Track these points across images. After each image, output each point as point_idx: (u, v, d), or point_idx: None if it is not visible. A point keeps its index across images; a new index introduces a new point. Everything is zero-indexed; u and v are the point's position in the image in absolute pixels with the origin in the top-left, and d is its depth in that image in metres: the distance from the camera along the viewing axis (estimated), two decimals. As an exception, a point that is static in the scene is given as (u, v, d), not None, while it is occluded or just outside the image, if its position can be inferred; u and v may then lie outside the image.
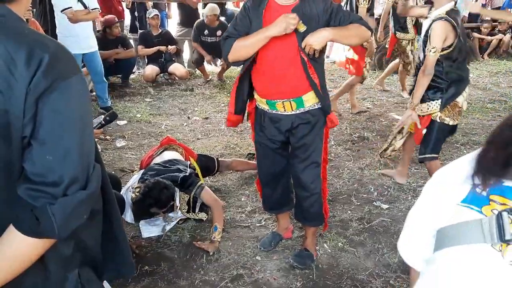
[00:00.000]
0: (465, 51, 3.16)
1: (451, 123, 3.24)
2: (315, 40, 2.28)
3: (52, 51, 0.92)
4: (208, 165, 3.79)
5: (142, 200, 3.07)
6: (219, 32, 6.60)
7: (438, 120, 3.23)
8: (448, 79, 3.12)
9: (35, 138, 0.90)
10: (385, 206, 3.51)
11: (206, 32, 6.63)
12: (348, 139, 4.80)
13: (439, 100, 3.17)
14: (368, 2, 5.24)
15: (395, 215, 3.38)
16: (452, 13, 3.02)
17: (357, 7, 5.34)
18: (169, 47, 6.69)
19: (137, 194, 3.11)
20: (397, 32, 5.64)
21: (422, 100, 3.23)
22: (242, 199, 3.65)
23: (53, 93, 0.90)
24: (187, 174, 3.25)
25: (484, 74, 7.51)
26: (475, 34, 8.87)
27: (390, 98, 6.19)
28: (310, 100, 2.49)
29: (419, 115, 3.25)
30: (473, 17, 8.81)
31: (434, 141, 3.30)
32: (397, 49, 5.79)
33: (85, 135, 0.96)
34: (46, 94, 0.90)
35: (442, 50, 3.05)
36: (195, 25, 6.69)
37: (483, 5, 8.76)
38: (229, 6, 8.02)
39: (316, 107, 2.52)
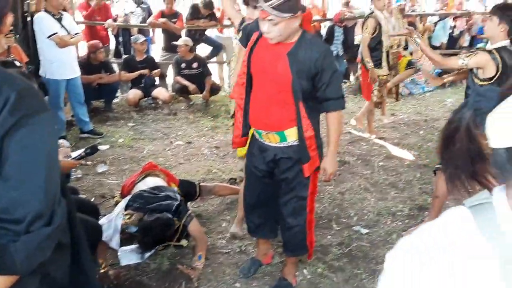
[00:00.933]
0: None
1: None
2: (331, 168, 2.53)
3: (19, 88, 0.94)
4: (190, 191, 3.79)
5: (148, 239, 3.07)
6: (195, 65, 6.75)
7: None
8: None
9: (0, 174, 0.91)
10: (364, 231, 3.53)
11: (183, 65, 6.74)
12: (329, 164, 4.85)
13: None
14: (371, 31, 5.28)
15: (374, 240, 3.40)
16: (502, 50, 3.06)
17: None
18: (153, 71, 6.75)
19: (127, 221, 3.11)
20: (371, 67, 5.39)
21: None
22: (223, 225, 3.65)
23: (20, 130, 0.92)
24: (179, 202, 3.25)
25: (463, 99, 7.66)
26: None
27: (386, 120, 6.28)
28: (292, 136, 2.48)
29: None
30: (451, 44, 9.03)
31: None
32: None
33: (51, 171, 0.97)
34: (13, 131, 0.91)
35: (482, 80, 3.09)
36: (173, 61, 6.82)
37: (461, 32, 9.02)
38: (214, 32, 8.12)
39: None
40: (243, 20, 2.96)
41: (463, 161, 0.85)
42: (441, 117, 6.58)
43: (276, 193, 2.69)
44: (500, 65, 2.99)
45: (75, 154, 3.19)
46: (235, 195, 3.84)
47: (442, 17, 8.75)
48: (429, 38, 8.82)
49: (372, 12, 5.33)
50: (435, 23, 8.80)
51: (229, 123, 5.67)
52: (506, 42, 3.08)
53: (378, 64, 5.35)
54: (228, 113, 4.93)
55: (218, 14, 7.67)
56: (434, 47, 8.56)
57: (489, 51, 3.07)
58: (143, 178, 3.67)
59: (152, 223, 3.05)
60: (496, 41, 3.10)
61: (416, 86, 7.99)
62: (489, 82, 3.04)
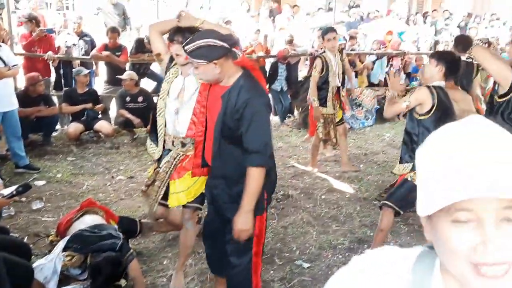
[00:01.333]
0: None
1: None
2: (239, 225, 2.43)
3: None
4: (130, 228, 3.69)
5: (99, 281, 2.94)
6: (140, 98, 6.69)
7: (409, 179, 3.41)
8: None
9: None
10: (306, 265, 3.57)
11: (128, 99, 6.67)
12: (273, 197, 4.88)
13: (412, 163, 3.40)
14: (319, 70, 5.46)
15: (316, 274, 3.44)
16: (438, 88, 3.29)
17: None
18: (97, 106, 6.63)
19: (68, 263, 2.98)
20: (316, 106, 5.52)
21: (400, 161, 3.50)
22: (164, 262, 3.57)
23: None
24: (122, 240, 3.15)
25: (400, 133, 8.02)
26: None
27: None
28: None
29: (394, 173, 3.66)
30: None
31: (401, 196, 3.46)
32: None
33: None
34: None
35: (421, 115, 3.30)
36: (117, 94, 6.73)
37: (397, 70, 9.52)
38: (159, 67, 8.10)
39: None
40: (172, 58, 2.97)
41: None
42: (380, 151, 6.85)
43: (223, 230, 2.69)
44: (436, 100, 3.24)
45: (6, 191, 3.04)
46: (177, 231, 3.77)
47: (380, 56, 9.21)
48: (368, 76, 9.24)
49: (323, 52, 5.52)
50: (373, 62, 9.24)
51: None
52: (442, 83, 3.35)
53: (323, 103, 5.48)
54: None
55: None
56: (373, 85, 8.98)
57: (428, 87, 3.33)
58: (81, 216, 3.54)
59: (101, 264, 2.94)
60: (433, 82, 3.36)
61: (357, 121, 8.30)
62: (427, 116, 3.28)
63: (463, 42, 4.45)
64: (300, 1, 15.70)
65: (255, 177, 2.37)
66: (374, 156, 6.58)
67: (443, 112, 3.28)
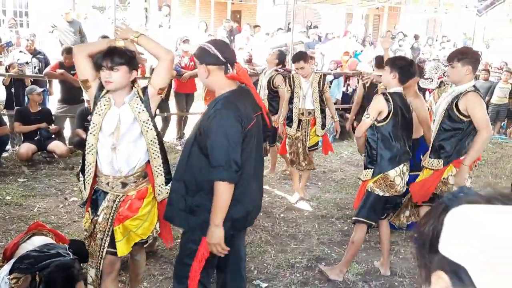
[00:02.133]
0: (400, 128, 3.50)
1: (381, 193, 3.48)
2: (209, 239, 2.36)
3: None
4: (82, 252, 3.54)
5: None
6: None
7: (369, 190, 3.50)
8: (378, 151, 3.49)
9: None
10: (264, 285, 3.53)
11: (89, 117, 6.48)
12: (232, 217, 4.85)
13: (371, 170, 3.50)
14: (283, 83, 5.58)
15: (273, 294, 3.41)
16: (394, 94, 3.47)
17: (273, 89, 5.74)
18: (52, 127, 6.43)
19: (14, 286, 2.81)
20: (280, 122, 5.61)
21: (364, 167, 3.57)
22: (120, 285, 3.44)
23: None
24: (73, 258, 3.03)
25: (357, 151, 8.19)
26: (348, 115, 9.74)
27: (272, 175, 6.42)
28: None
29: (359, 178, 3.69)
30: (345, 100, 9.70)
31: (368, 207, 3.55)
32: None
33: None
34: None
35: (379, 122, 3.43)
36: (78, 112, 6.52)
37: (354, 89, 9.74)
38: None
39: None
40: (101, 85, 2.66)
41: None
42: (338, 168, 6.95)
43: None
44: (392, 107, 3.39)
45: None
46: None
47: (337, 76, 9.41)
48: (326, 94, 9.41)
49: (294, 73, 5.51)
50: (331, 82, 9.43)
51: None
52: (399, 89, 3.48)
53: (288, 122, 5.46)
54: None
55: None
56: (330, 103, 9.13)
57: (383, 94, 3.47)
58: (28, 238, 3.38)
59: (52, 272, 2.81)
60: (390, 88, 3.51)
61: (315, 139, 8.40)
62: (384, 122, 3.43)
63: (379, 60, 5.95)
64: (260, 21, 15.94)
65: (218, 191, 2.32)
66: (332, 174, 6.66)
67: (400, 118, 3.45)
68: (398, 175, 3.48)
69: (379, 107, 3.42)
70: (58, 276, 2.83)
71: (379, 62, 6.14)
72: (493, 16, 11.41)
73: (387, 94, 3.45)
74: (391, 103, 3.39)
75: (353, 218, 3.69)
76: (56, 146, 6.41)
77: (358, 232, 3.60)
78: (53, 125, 6.54)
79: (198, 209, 2.43)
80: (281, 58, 6.13)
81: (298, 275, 3.71)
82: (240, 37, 12.29)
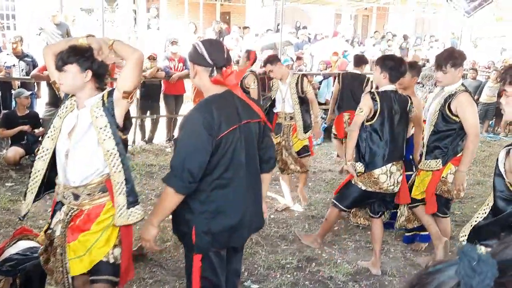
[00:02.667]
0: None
1: (363, 187, 3.58)
2: (143, 235, 2.33)
3: None
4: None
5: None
6: None
7: (353, 182, 3.63)
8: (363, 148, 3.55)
9: None
10: (254, 286, 3.52)
11: None
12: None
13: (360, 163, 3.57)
14: (255, 83, 5.48)
15: (264, 295, 3.40)
16: (383, 93, 3.53)
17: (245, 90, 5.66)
18: (37, 130, 6.36)
19: None
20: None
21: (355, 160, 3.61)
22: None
23: None
24: None
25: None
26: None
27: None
28: None
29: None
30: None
31: (346, 194, 3.72)
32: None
33: None
34: None
35: (367, 120, 3.49)
36: None
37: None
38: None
39: None
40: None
41: None
42: (327, 169, 6.96)
43: None
44: (379, 106, 3.43)
45: None
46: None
47: (326, 76, 9.43)
48: (316, 95, 9.42)
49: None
50: (320, 82, 9.45)
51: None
52: (390, 87, 3.49)
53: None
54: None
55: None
56: (320, 103, 9.14)
57: (371, 93, 3.52)
58: (14, 243, 3.34)
59: (29, 270, 2.78)
60: (382, 87, 3.55)
61: (305, 140, 8.40)
62: (372, 121, 3.48)
63: (357, 59, 6.76)
64: (250, 23, 15.94)
65: (164, 194, 2.24)
66: (323, 174, 6.67)
67: (388, 117, 3.49)
68: (383, 173, 3.50)
69: (368, 103, 3.48)
70: (36, 275, 2.78)
71: (357, 61, 6.83)
72: (481, 16, 11.53)
73: (375, 93, 3.49)
74: (378, 102, 3.44)
75: (332, 200, 4.01)
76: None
77: (331, 213, 4.00)
78: (40, 128, 6.47)
79: (177, 219, 2.35)
80: (251, 57, 5.97)
81: (288, 275, 3.71)
82: (229, 39, 12.28)
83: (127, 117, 2.53)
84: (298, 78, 5.20)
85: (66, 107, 2.46)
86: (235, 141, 2.26)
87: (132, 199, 2.45)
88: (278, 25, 12.86)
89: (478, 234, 2.25)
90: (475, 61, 12.79)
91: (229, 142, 2.24)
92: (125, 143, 2.54)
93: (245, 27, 14.29)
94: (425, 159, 3.64)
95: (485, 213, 2.23)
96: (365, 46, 13.82)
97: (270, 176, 2.63)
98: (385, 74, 3.50)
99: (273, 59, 5.25)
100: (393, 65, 3.49)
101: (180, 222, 2.34)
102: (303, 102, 5.17)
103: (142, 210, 2.55)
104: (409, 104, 3.59)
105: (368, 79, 6.60)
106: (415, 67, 4.36)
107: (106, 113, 2.36)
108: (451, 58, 3.49)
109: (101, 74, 2.45)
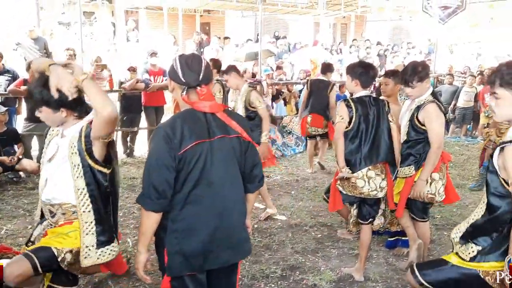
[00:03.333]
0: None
1: (344, 192, 3.68)
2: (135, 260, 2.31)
3: None
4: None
5: None
6: None
7: (337, 186, 3.73)
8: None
9: None
10: (239, 297, 3.51)
11: None
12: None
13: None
14: (220, 93, 5.61)
15: (248, 306, 3.38)
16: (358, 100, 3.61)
17: None
18: (15, 155, 6.19)
19: None
20: None
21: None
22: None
23: None
24: None
25: (329, 158, 8.26)
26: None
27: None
28: None
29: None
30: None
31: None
32: None
33: None
34: None
35: (346, 127, 3.56)
36: (46, 130, 6.35)
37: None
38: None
39: None
40: None
41: None
42: (310, 177, 7.00)
43: None
44: (354, 113, 3.53)
45: None
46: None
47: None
48: (296, 104, 9.49)
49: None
50: (300, 91, 9.53)
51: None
52: (364, 92, 3.59)
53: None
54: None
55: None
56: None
57: (345, 100, 3.61)
58: (-6, 262, 3.29)
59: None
60: (357, 93, 3.65)
61: (287, 148, 8.47)
62: (349, 127, 3.56)
63: (323, 67, 7.42)
64: (230, 33, 16.02)
65: (141, 215, 2.20)
66: (305, 182, 6.71)
67: (363, 123, 3.56)
68: (360, 178, 3.55)
69: (344, 110, 3.56)
70: None
71: (323, 68, 7.40)
72: (456, 23, 11.78)
73: (349, 100, 3.58)
74: (353, 109, 3.53)
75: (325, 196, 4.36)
76: (25, 164, 6.24)
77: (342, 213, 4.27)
78: (17, 147, 6.33)
79: (155, 239, 2.30)
80: (216, 65, 5.94)
81: (273, 285, 3.71)
82: (210, 49, 12.33)
83: (111, 147, 2.57)
84: (251, 89, 5.08)
85: (51, 133, 2.59)
86: (204, 157, 2.15)
87: (104, 239, 2.50)
88: (257, 35, 12.95)
89: (471, 233, 2.31)
90: (451, 66, 13.04)
91: (196, 158, 2.13)
92: (111, 177, 2.56)
93: (225, 38, 14.36)
94: (400, 167, 3.73)
95: (482, 210, 2.28)
96: (342, 54, 13.98)
97: (255, 196, 2.49)
98: (356, 82, 3.60)
99: (228, 69, 5.30)
100: (362, 72, 3.60)
101: (156, 242, 2.28)
102: (251, 118, 4.94)
103: (117, 247, 2.57)
104: (386, 107, 3.65)
105: (333, 85, 7.28)
106: (397, 75, 4.39)
107: (80, 151, 2.43)
108: (415, 73, 3.57)
109: (76, 105, 2.50)
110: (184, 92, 2.21)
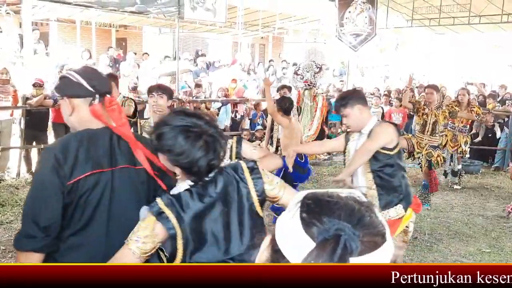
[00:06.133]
0: None
1: None
2: None
3: None
4: None
5: None
6: None
7: None
8: None
9: None
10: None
11: None
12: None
13: None
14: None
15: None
16: None
17: None
18: None
19: None
20: None
21: None
22: None
23: None
24: None
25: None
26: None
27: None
28: None
29: None
30: (234, 127, 9.86)
31: None
32: None
33: None
34: None
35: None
36: None
37: (242, 116, 9.94)
38: None
39: None
40: None
41: None
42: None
43: None
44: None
45: None
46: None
47: (224, 103, 9.55)
48: (215, 121, 9.48)
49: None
50: (219, 109, 9.53)
51: None
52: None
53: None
54: None
55: None
56: (219, 130, 9.24)
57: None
58: None
59: None
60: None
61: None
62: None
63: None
64: (147, 49, 15.73)
65: (17, 258, 1.75)
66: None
67: None
68: None
69: None
70: None
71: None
72: (366, 47, 12.49)
73: None
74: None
75: None
76: None
77: None
78: None
79: None
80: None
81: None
82: (126, 65, 11.99)
83: None
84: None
85: None
86: (101, 190, 1.77)
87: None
88: (175, 52, 12.84)
89: None
90: (362, 88, 13.77)
91: (89, 191, 1.75)
92: None
93: (144, 53, 14.07)
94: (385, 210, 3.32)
95: None
96: (256, 74, 14.25)
97: None
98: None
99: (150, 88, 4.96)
100: (283, 104, 4.13)
101: None
102: None
103: None
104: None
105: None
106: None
107: None
108: (341, 99, 3.28)
109: None
110: (96, 101, 1.84)
